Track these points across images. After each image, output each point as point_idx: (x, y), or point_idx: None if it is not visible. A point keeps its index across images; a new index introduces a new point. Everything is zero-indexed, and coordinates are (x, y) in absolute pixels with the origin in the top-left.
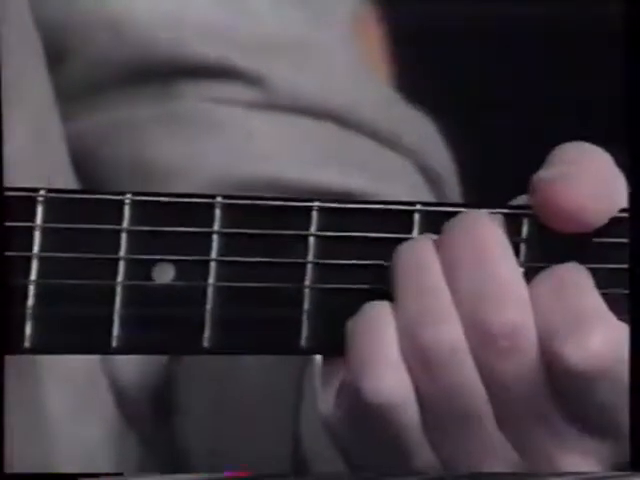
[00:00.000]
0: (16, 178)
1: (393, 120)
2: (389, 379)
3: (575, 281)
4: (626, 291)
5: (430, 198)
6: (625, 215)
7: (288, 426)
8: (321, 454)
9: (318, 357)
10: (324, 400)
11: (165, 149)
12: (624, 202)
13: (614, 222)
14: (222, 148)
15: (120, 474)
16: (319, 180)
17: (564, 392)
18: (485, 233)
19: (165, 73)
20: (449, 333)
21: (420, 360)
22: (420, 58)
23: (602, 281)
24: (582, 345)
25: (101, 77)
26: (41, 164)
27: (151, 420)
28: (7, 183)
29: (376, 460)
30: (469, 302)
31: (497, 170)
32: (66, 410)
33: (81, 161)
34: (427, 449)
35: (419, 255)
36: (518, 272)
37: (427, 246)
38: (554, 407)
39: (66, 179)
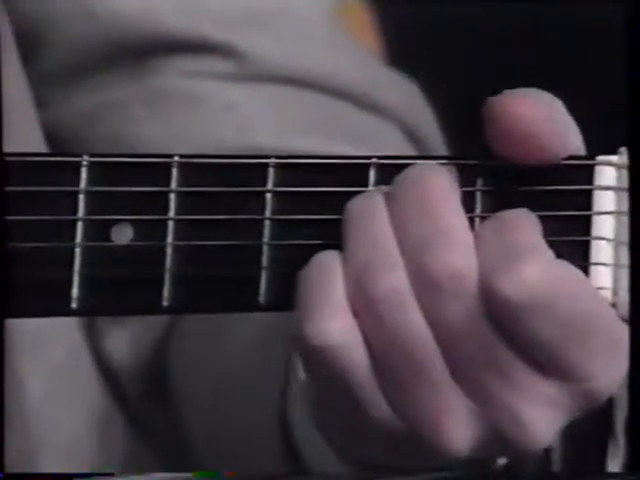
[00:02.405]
0: None
1: (374, 85)
2: (333, 322)
3: (516, 222)
4: (581, 238)
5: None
6: (579, 162)
7: (276, 407)
8: (308, 437)
9: None
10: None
11: (147, 127)
12: (576, 148)
13: (569, 170)
14: (202, 122)
15: (111, 474)
16: (303, 148)
17: (507, 331)
18: (431, 183)
19: (141, 52)
20: (394, 280)
21: (366, 306)
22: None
23: (559, 229)
24: (515, 277)
25: (78, 62)
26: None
27: (143, 399)
28: None
29: (341, 422)
30: (414, 250)
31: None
32: (46, 393)
33: (64, 146)
34: (380, 399)
35: (367, 207)
36: (463, 220)
37: (376, 198)
38: (504, 351)
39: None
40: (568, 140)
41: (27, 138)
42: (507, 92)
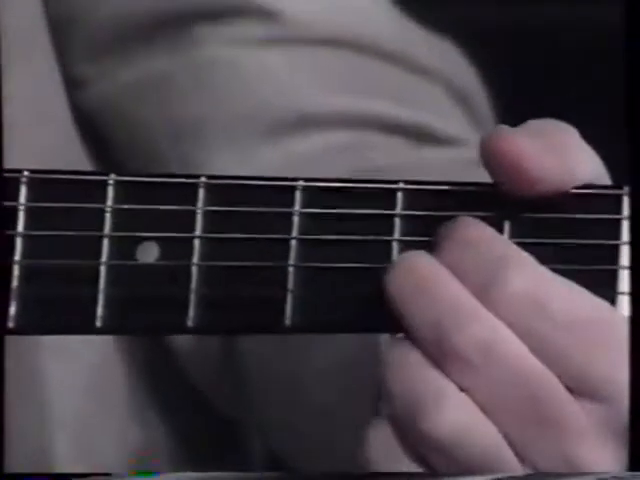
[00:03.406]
0: (19, 155)
1: (417, 46)
2: (450, 411)
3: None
4: (608, 267)
5: (463, 120)
6: (606, 192)
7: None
8: None
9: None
10: None
11: (193, 97)
12: (591, 176)
13: (597, 199)
14: (245, 89)
15: (108, 474)
16: (346, 109)
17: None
18: (474, 227)
19: (182, 21)
20: (481, 331)
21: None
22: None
23: (586, 258)
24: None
25: (118, 35)
26: (44, 137)
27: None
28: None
29: None
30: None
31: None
32: (71, 393)
33: (108, 123)
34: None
35: (427, 272)
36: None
37: (437, 273)
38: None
39: (71, 152)
40: (575, 169)
41: (58, 122)
42: (498, 128)
